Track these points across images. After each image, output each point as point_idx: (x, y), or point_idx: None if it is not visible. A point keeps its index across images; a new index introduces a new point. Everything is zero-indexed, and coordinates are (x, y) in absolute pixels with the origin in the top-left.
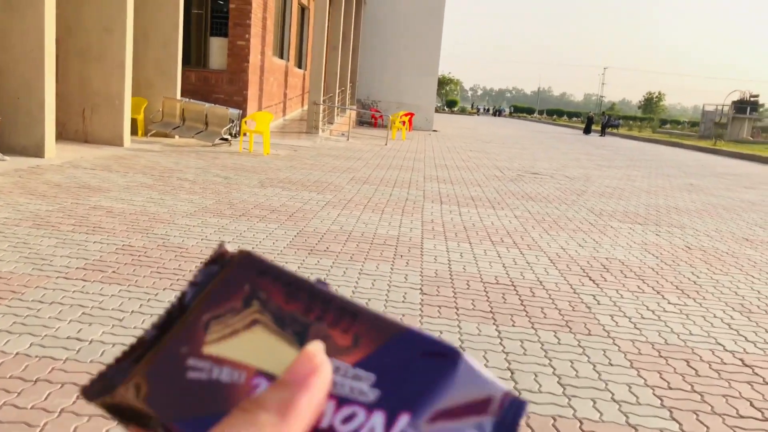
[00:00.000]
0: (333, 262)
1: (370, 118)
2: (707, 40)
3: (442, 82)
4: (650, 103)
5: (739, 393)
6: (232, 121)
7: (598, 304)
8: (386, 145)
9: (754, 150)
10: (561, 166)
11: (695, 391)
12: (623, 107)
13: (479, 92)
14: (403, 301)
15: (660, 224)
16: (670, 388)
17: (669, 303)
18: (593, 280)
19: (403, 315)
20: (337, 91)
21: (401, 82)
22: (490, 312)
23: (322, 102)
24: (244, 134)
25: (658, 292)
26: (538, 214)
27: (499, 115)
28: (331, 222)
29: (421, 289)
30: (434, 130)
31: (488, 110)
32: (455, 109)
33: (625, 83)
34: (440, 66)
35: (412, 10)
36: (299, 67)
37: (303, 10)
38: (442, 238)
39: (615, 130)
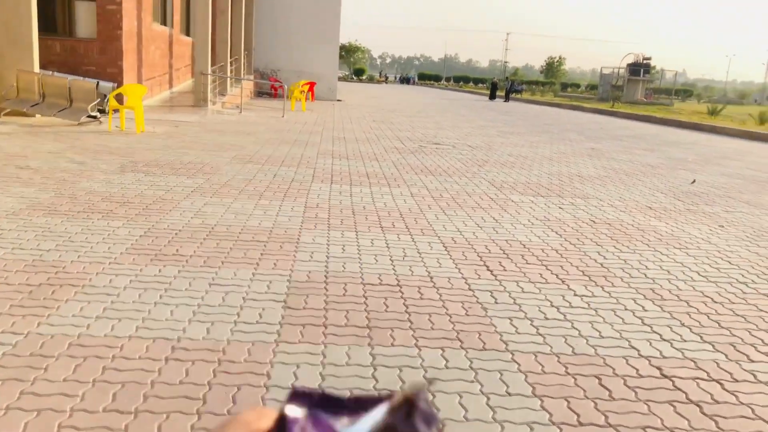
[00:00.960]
0: (179, 271)
1: (269, 89)
2: (604, 7)
3: (350, 50)
4: (552, 68)
5: (661, 421)
6: (104, 96)
7: (496, 303)
8: (283, 117)
9: (648, 111)
10: (464, 134)
11: (610, 425)
12: (526, 72)
13: (388, 60)
14: (257, 322)
15: (563, 195)
16: (581, 424)
17: (575, 295)
18: (491, 271)
19: (253, 343)
20: (230, 60)
21: (301, 51)
22: (367, 327)
23: (210, 72)
24: (114, 110)
25: (563, 281)
26: (436, 191)
27: (407, 83)
28: (192, 214)
29: (284, 301)
30: (338, 100)
31: (397, 78)
32: (363, 77)
33: (527, 48)
34: (347, 34)
35: None
36: (187, 34)
37: None
38: (324, 227)
39: (519, 95)
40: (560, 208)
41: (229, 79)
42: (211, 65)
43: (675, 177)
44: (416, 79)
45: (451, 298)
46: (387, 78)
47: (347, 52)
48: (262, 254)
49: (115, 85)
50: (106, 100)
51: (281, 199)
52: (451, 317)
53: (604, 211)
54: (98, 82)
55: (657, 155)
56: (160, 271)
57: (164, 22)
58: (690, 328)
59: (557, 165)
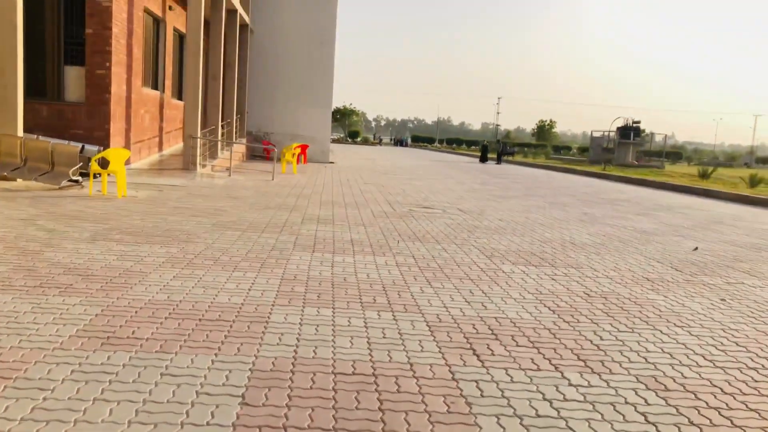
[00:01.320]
0: (129, 358)
1: (262, 152)
2: (592, 72)
3: (345, 114)
4: (543, 131)
5: None
6: (88, 160)
7: (482, 396)
8: (272, 180)
9: (640, 174)
10: (456, 198)
11: None
12: (518, 135)
13: (382, 123)
14: (207, 423)
15: (556, 264)
16: None
17: (570, 385)
18: (478, 356)
19: None
20: (221, 123)
21: (295, 114)
22: (332, 430)
23: (200, 136)
24: (96, 175)
25: (556, 368)
26: (423, 259)
27: (401, 145)
28: (158, 289)
29: (243, 395)
30: (331, 162)
31: (392, 140)
32: (358, 139)
33: (519, 111)
34: (342, 98)
35: (303, 40)
36: (179, 98)
37: (182, 38)
38: (299, 303)
39: (511, 158)
40: (553, 279)
41: (219, 142)
42: (202, 128)
43: (671, 244)
44: (410, 142)
45: (431, 391)
46: (381, 140)
47: (342, 115)
48: (226, 336)
49: (101, 148)
50: (87, 164)
51: (257, 270)
52: (430, 415)
53: (599, 282)
54: (83, 146)
55: (651, 220)
56: (108, 358)
57: (155, 86)
58: (700, 428)
59: (550, 231)
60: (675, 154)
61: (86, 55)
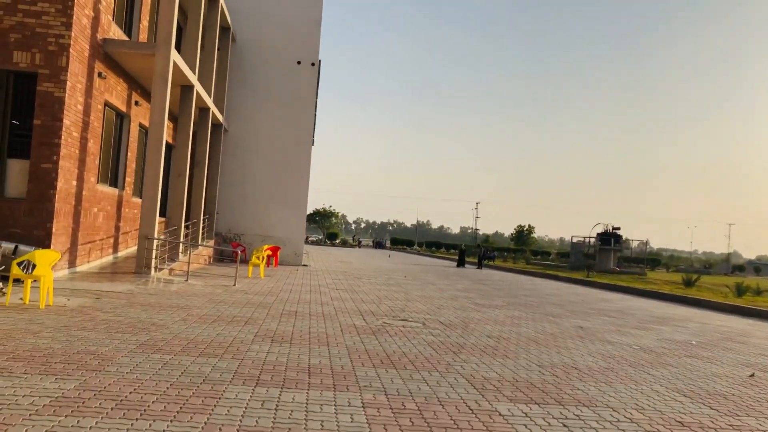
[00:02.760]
0: None
1: (231, 254)
2: (568, 178)
3: (325, 215)
4: (522, 236)
5: None
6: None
7: None
8: (234, 285)
9: (624, 281)
10: (436, 307)
11: None
12: (497, 239)
13: (362, 225)
14: None
15: (563, 402)
16: None
17: None
18: None
19: None
20: (185, 224)
21: (268, 215)
22: None
23: (157, 237)
24: (17, 279)
25: None
26: (397, 397)
27: (380, 248)
28: None
29: None
30: (304, 265)
31: (372, 243)
32: (337, 241)
33: (497, 216)
34: (322, 199)
35: (279, 140)
36: (141, 196)
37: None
38: None
39: (492, 263)
40: (564, 425)
41: (181, 244)
42: (165, 228)
43: (687, 368)
44: (389, 244)
45: None
46: (360, 242)
47: (321, 216)
48: None
49: (34, 249)
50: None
51: (171, 418)
52: None
53: (623, 429)
54: (17, 246)
55: (654, 336)
56: None
57: (114, 184)
58: None
59: (546, 351)
60: (653, 260)
61: (32, 148)
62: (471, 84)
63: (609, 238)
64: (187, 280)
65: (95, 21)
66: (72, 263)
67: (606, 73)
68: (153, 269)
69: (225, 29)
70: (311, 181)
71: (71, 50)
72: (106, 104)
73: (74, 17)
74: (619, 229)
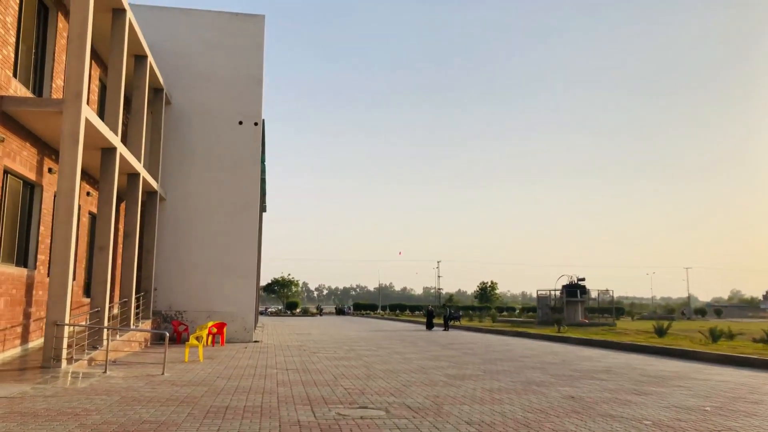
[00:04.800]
0: None
1: (173, 333)
2: (529, 234)
3: (284, 285)
4: (485, 293)
5: None
6: None
7: None
8: (162, 374)
9: (599, 334)
10: (402, 385)
11: None
12: (460, 297)
13: (325, 292)
14: None
15: None
16: None
17: None
18: None
19: None
20: (110, 304)
21: (212, 288)
22: None
23: (69, 323)
24: None
25: None
26: None
27: (343, 314)
28: None
29: None
30: (255, 341)
31: (336, 309)
32: (297, 310)
33: (458, 274)
34: (280, 268)
35: (222, 207)
36: None
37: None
38: None
39: (457, 323)
40: None
41: (105, 329)
42: (91, 309)
43: None
44: (352, 310)
45: None
46: (321, 310)
47: (281, 286)
48: None
49: None
50: None
51: None
52: None
53: None
54: None
55: (659, 404)
56: None
57: (22, 263)
58: None
59: None
60: (617, 309)
61: None
62: (428, 140)
63: (575, 290)
64: (105, 372)
65: None
66: None
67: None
68: (65, 361)
69: (157, 90)
70: (267, 249)
71: None
72: (7, 171)
73: None
74: (584, 280)
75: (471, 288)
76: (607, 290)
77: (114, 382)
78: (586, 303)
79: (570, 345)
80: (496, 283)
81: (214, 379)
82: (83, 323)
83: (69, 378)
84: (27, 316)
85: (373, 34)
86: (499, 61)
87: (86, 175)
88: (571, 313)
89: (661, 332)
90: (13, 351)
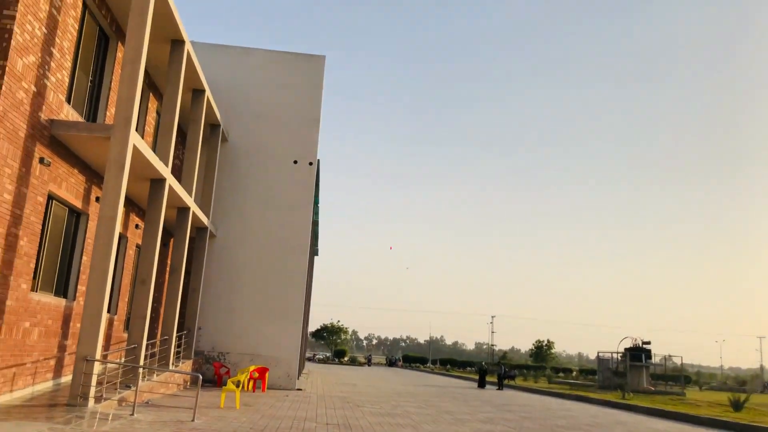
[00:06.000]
0: None
1: (213, 376)
2: (586, 291)
3: (332, 332)
4: (541, 352)
5: None
6: None
7: None
8: (192, 422)
9: (669, 404)
10: None
11: None
12: (513, 355)
13: (374, 341)
14: None
15: None
16: None
17: None
18: None
19: None
20: (146, 342)
21: (258, 330)
22: None
23: (100, 359)
24: None
25: None
26: None
27: (392, 365)
28: None
29: None
30: (298, 390)
31: (387, 361)
32: (345, 359)
33: (512, 330)
34: (330, 315)
35: (272, 247)
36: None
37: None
38: None
39: (512, 382)
40: None
41: (147, 367)
42: (128, 345)
43: None
44: (401, 361)
45: None
46: (370, 360)
47: (330, 333)
48: None
49: None
50: None
51: None
52: None
53: None
54: None
55: None
56: None
57: (61, 293)
58: None
59: None
60: (685, 377)
61: None
62: (486, 188)
63: (639, 354)
64: (132, 415)
65: (38, 98)
66: None
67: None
68: (92, 400)
69: (214, 126)
70: (317, 294)
71: None
72: (52, 197)
73: (3, 88)
74: (649, 343)
75: (525, 345)
76: (670, 356)
77: (137, 428)
78: (651, 369)
79: (638, 414)
80: (552, 342)
81: (246, 430)
82: (118, 360)
83: (91, 419)
84: (62, 348)
85: (430, 76)
86: (557, 109)
87: (136, 207)
88: (634, 378)
89: (737, 406)
90: (45, 385)
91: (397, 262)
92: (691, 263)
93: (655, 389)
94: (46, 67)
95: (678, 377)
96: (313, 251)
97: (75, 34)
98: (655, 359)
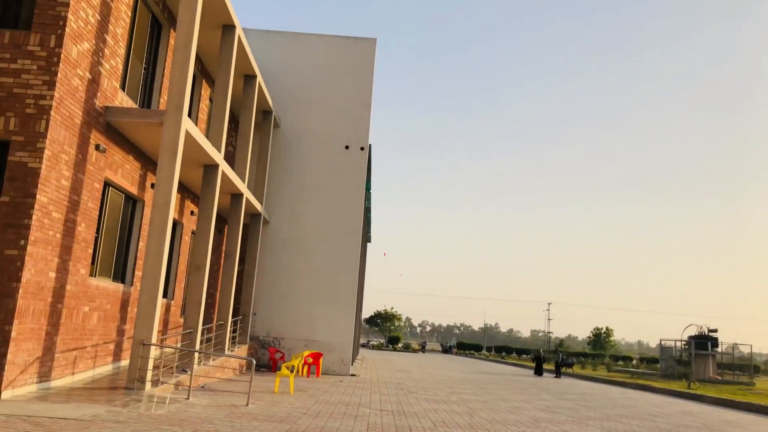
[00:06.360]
0: None
1: (268, 361)
2: (645, 279)
3: (386, 318)
4: (599, 339)
5: None
6: None
7: None
8: (247, 406)
9: (739, 394)
10: None
11: None
12: (570, 343)
13: (428, 328)
14: None
15: None
16: None
17: None
18: None
19: None
20: (205, 327)
21: (312, 316)
22: None
23: (156, 344)
24: None
25: None
26: None
27: (447, 352)
28: None
29: None
30: (352, 375)
31: (442, 347)
32: (399, 345)
33: (568, 318)
34: (384, 302)
35: (325, 233)
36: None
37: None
38: None
39: (569, 370)
40: None
41: (201, 350)
42: (183, 330)
43: None
44: (455, 349)
45: None
46: (424, 347)
47: (384, 319)
48: None
49: None
50: None
51: None
52: None
53: None
54: None
55: None
56: None
57: (119, 278)
58: None
59: None
60: (754, 366)
61: None
62: (546, 172)
63: (705, 342)
64: (187, 399)
65: (93, 84)
66: (45, 376)
67: (693, 156)
68: (149, 383)
69: (266, 113)
70: (371, 280)
71: (53, 113)
72: (108, 183)
73: (59, 75)
74: (716, 331)
75: (582, 333)
76: (737, 345)
77: (193, 412)
78: (717, 357)
79: (706, 405)
80: (611, 330)
81: (300, 415)
82: (174, 345)
83: (148, 402)
84: (120, 333)
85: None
86: (612, 100)
87: (191, 194)
88: (700, 367)
89: None
90: (105, 368)
91: (452, 249)
92: (758, 248)
93: (721, 378)
94: (100, 54)
95: (746, 366)
96: (366, 237)
97: (128, 21)
98: (722, 348)
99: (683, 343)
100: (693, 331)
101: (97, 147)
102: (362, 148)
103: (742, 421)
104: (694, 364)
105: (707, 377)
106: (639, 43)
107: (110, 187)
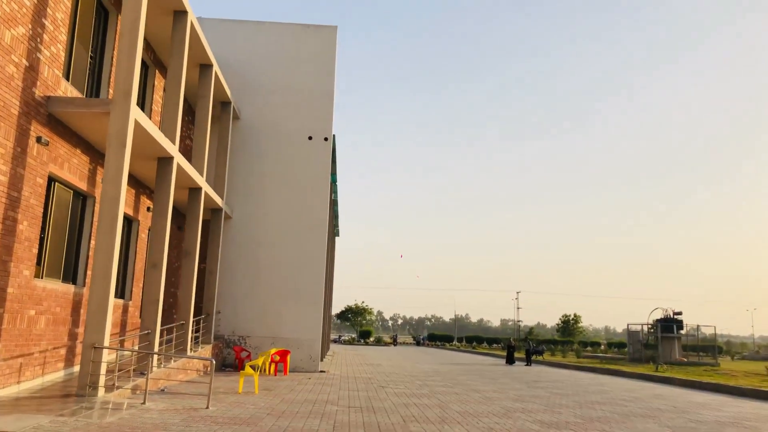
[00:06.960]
0: None
1: (233, 360)
2: (611, 266)
3: (357, 312)
4: (568, 326)
5: None
6: None
7: None
8: (207, 408)
9: (704, 375)
10: None
11: None
12: (540, 331)
13: (399, 321)
14: None
15: None
16: None
17: None
18: None
19: None
20: (160, 328)
21: (278, 313)
22: None
23: (109, 346)
24: None
25: None
26: None
27: (419, 345)
28: None
29: None
30: (321, 372)
31: (414, 340)
32: (371, 339)
33: (538, 306)
34: (355, 296)
35: (290, 227)
36: (119, 296)
37: (126, 220)
38: None
39: (540, 358)
40: None
41: (155, 355)
42: (141, 331)
43: None
44: (426, 341)
45: None
46: (396, 340)
47: (354, 314)
48: None
49: None
50: None
51: None
52: None
53: None
54: None
55: None
56: None
57: (70, 279)
58: None
59: None
60: (715, 347)
61: None
62: (507, 164)
63: (671, 325)
64: (143, 403)
65: (31, 72)
66: None
67: (640, 150)
68: (102, 389)
69: (225, 104)
70: (341, 276)
71: None
72: (54, 179)
73: None
74: (680, 314)
75: (551, 321)
76: (700, 326)
77: (147, 417)
78: (683, 340)
79: (674, 387)
80: (579, 316)
81: (262, 416)
82: (131, 348)
83: (99, 410)
84: (72, 337)
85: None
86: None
87: (147, 189)
88: (666, 350)
89: None
90: (55, 375)
91: (420, 241)
92: (719, 231)
93: (687, 360)
94: (38, 39)
95: (710, 348)
96: (334, 232)
97: (69, 5)
98: (686, 330)
99: (649, 326)
100: (659, 315)
101: (38, 139)
102: (326, 139)
103: (711, 402)
104: (661, 347)
105: (673, 359)
106: (633, 38)
107: (56, 183)
